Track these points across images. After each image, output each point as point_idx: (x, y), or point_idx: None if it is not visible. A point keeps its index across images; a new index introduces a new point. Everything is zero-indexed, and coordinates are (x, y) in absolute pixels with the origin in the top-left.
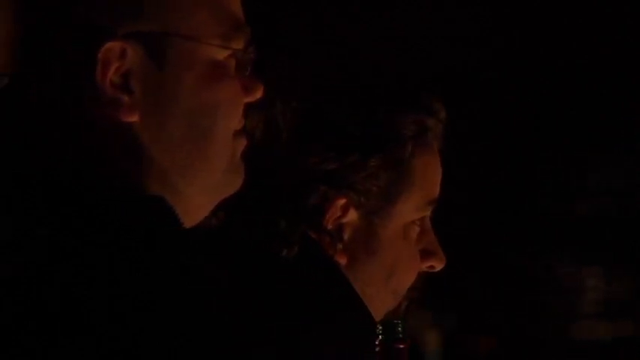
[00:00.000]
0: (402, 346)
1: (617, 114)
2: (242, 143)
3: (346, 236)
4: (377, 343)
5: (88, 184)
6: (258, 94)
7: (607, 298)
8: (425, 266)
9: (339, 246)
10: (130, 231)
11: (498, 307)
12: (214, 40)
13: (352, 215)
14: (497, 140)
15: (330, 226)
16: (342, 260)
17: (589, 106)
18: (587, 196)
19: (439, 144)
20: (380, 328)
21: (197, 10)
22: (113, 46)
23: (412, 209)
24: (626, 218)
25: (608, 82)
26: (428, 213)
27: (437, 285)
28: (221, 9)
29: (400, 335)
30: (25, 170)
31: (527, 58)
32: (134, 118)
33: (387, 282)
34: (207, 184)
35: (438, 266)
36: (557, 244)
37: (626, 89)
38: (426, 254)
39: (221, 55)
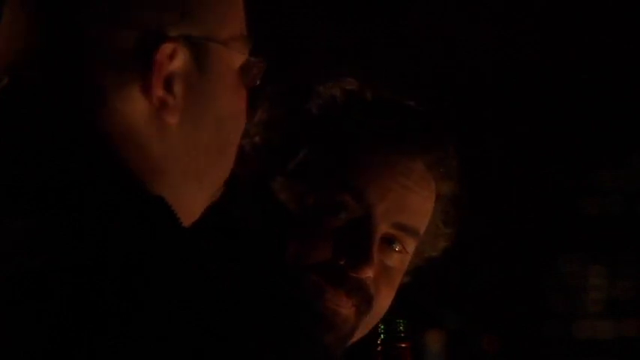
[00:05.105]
0: (404, 345)
1: (624, 114)
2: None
3: None
4: (379, 342)
5: (108, 186)
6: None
7: (611, 297)
8: (340, 261)
9: None
10: (133, 230)
11: (502, 307)
12: (240, 48)
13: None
14: (504, 139)
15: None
16: None
17: (597, 106)
18: (592, 195)
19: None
20: (381, 327)
21: (229, 17)
22: (167, 47)
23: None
24: (630, 218)
25: (616, 83)
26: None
27: (440, 284)
28: (241, 16)
29: (402, 334)
30: (45, 169)
31: (535, 59)
32: (175, 120)
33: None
34: (213, 188)
35: (353, 268)
36: (561, 243)
37: (633, 90)
38: (348, 250)
39: (239, 62)
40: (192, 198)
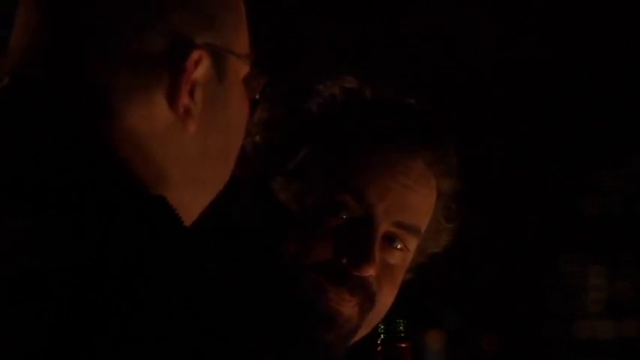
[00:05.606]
0: (404, 345)
1: (624, 114)
2: None
3: None
4: (379, 342)
5: (117, 189)
6: None
7: (611, 297)
8: (342, 260)
9: None
10: (133, 230)
11: (502, 307)
12: (246, 61)
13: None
14: (504, 139)
15: None
16: None
17: (597, 106)
18: (592, 195)
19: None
20: (382, 327)
21: (241, 30)
22: (195, 54)
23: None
24: (630, 218)
25: (616, 83)
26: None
27: (441, 284)
28: (247, 31)
29: (402, 334)
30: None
31: (535, 59)
32: (195, 128)
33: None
34: (215, 192)
35: (355, 267)
36: (561, 243)
37: (633, 90)
38: (349, 249)
39: (243, 73)
40: (194, 201)
